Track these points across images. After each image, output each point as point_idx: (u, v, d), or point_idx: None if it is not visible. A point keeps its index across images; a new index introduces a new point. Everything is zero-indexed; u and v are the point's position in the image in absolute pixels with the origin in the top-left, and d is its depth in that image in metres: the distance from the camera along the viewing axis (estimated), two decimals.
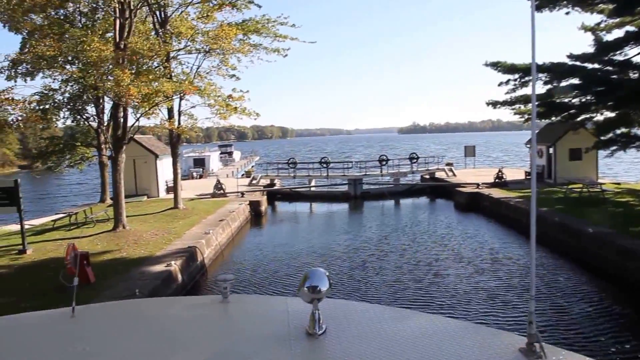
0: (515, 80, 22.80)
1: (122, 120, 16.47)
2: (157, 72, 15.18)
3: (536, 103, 20.88)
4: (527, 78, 22.08)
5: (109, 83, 14.06)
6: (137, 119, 17.49)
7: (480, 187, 27.28)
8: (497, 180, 28.03)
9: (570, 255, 14.93)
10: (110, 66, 14.23)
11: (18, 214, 14.58)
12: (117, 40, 15.83)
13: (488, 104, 24.37)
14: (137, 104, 15.76)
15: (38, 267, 13.10)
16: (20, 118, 16.16)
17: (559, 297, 11.69)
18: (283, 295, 8.78)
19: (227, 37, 17.85)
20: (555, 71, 20.70)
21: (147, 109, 17.01)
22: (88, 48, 14.11)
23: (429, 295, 12.21)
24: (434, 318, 2.77)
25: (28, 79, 19.99)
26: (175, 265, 12.89)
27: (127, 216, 19.81)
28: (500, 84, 23.15)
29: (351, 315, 2.69)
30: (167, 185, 28.37)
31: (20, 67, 19.31)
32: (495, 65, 22.35)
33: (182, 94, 18.41)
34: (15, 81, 19.16)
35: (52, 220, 18.76)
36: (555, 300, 11.48)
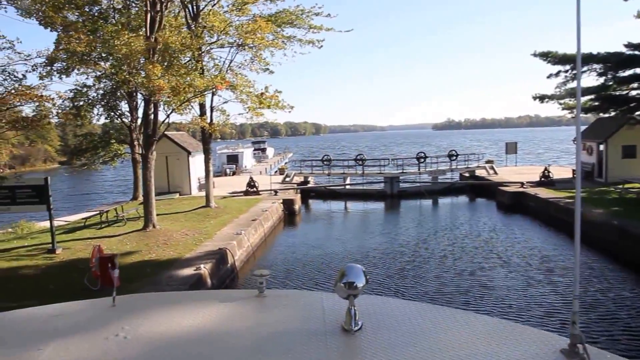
0: (566, 71, 21.26)
1: (152, 116, 15.99)
2: (188, 66, 14.51)
3: (591, 96, 19.33)
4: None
5: (139, 77, 13.50)
6: (168, 116, 16.99)
7: (525, 186, 25.77)
8: (543, 179, 26.52)
9: (634, 264, 13.49)
10: (142, 60, 13.66)
11: (48, 212, 14.28)
12: (148, 34, 15.33)
13: (535, 97, 22.84)
14: (167, 99, 15.18)
15: (65, 268, 12.71)
16: (52, 114, 15.88)
17: (632, 318, 10.33)
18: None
19: (262, 30, 17.08)
20: (612, 61, 19.09)
21: (178, 104, 16.45)
22: (118, 43, 13.60)
23: (475, 310, 11.03)
24: (471, 316, 2.70)
25: (63, 76, 19.89)
26: (204, 269, 12.25)
27: (158, 215, 19.41)
28: (549, 76, 21.66)
29: (387, 312, 2.66)
30: (199, 182, 28.03)
31: (55, 64, 19.15)
32: (546, 56, 20.86)
33: (214, 90, 17.79)
34: (51, 79, 19.03)
35: (83, 219, 18.52)
36: (627, 322, 10.14)
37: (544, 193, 23.03)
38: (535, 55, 21.27)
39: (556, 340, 2.27)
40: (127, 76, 14.04)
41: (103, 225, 18.00)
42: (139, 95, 19.76)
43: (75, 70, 20.35)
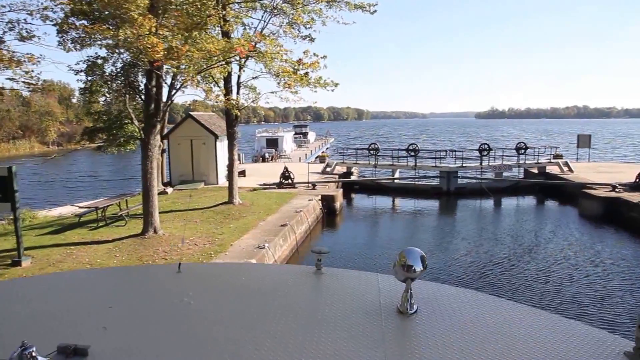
0: None
1: (154, 89, 12.37)
2: (196, 21, 10.69)
3: None
4: None
5: (124, 33, 9.83)
6: (176, 90, 13.25)
7: (617, 189, 20.83)
8: (638, 181, 21.54)
9: None
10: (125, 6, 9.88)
11: (12, 212, 10.94)
12: None
13: None
14: (167, 64, 11.42)
15: None
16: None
17: None
18: None
19: None
20: None
21: (190, 75, 12.71)
22: None
23: None
24: (531, 311, 2.48)
25: (78, 46, 16.67)
26: None
27: (169, 211, 16.08)
28: None
29: (443, 298, 2.57)
30: (227, 170, 24.56)
31: (69, 34, 15.95)
32: None
33: (236, 57, 13.93)
34: (67, 50, 15.91)
35: (76, 216, 15.21)
36: None
37: None
38: None
39: (620, 343, 2.08)
40: (112, 31, 10.37)
41: (100, 224, 14.68)
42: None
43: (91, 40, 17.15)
